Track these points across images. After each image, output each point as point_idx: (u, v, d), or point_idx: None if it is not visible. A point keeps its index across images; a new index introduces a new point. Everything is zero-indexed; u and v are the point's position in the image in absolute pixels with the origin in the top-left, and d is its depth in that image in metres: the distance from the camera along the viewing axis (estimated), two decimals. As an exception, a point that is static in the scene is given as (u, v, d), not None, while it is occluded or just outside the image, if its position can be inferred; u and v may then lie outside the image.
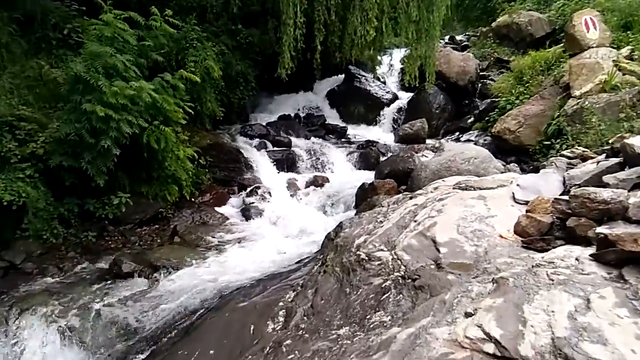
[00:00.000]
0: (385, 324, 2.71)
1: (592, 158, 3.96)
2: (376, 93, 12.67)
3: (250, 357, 2.93)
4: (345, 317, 3.00)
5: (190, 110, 7.05)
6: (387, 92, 12.79)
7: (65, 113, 6.03)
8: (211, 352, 3.31)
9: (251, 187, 8.29)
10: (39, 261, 5.72)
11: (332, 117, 12.30)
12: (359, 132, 11.58)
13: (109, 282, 5.30)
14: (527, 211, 3.33)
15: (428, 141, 10.22)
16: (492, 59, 13.35)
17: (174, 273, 5.45)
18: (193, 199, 7.61)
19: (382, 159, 9.21)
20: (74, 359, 4.37)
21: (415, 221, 3.86)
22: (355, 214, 6.71)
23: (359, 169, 9.36)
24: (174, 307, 4.70)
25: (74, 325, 4.59)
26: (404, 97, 12.62)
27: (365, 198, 7.19)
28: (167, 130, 6.42)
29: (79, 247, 6.12)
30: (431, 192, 4.58)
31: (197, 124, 8.49)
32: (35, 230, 5.77)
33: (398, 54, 13.69)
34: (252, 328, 3.40)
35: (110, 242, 6.38)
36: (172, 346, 3.85)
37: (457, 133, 11.01)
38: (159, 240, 6.56)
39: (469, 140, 9.97)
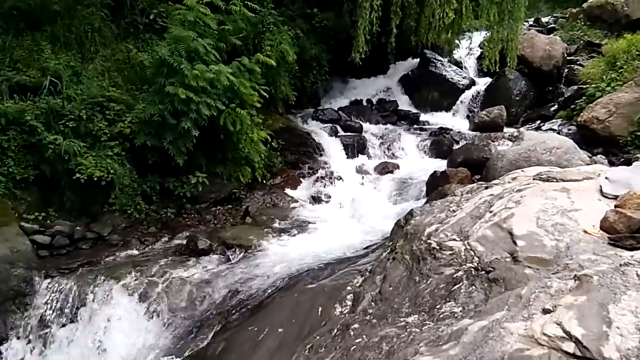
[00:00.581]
0: (456, 315, 2.65)
1: (695, 151, 3.60)
2: (452, 78, 12.23)
3: (318, 337, 2.98)
4: (414, 305, 2.96)
5: (265, 94, 7.19)
6: (463, 78, 12.31)
7: (150, 95, 6.37)
8: (280, 330, 3.40)
9: (321, 171, 8.36)
10: (124, 234, 6.14)
11: (405, 103, 12.04)
12: (432, 119, 11.26)
13: (185, 257, 5.57)
14: (615, 206, 3.10)
15: (506, 129, 9.75)
16: (581, 42, 12.46)
17: (246, 252, 5.64)
18: (265, 181, 7.80)
19: (456, 146, 8.91)
20: (151, 327, 4.67)
21: (491, 212, 3.72)
22: (426, 202, 6.58)
23: (431, 156, 9.14)
24: (245, 285, 4.88)
25: (153, 295, 4.90)
26: (482, 82, 12.09)
27: (436, 186, 7.01)
28: (243, 113, 6.60)
29: (159, 222, 6.50)
30: (509, 182, 4.39)
31: (270, 108, 8.65)
32: (120, 205, 6.19)
33: (478, 37, 13.10)
34: (320, 310, 3.45)
35: (187, 220, 6.71)
36: (242, 322, 4.00)
37: (539, 121, 10.40)
38: (231, 220, 6.81)
39: (551, 130, 9.39)
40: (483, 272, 2.98)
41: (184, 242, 5.89)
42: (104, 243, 5.99)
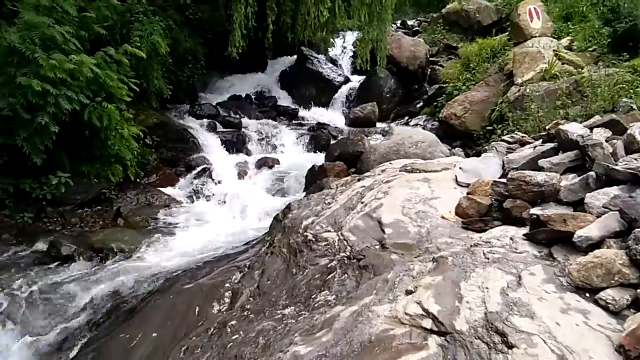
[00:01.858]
0: (329, 303, 2.75)
1: (530, 143, 4.13)
2: (328, 75, 12.68)
3: (194, 338, 2.90)
4: (291, 297, 3.02)
5: (136, 87, 6.77)
6: (339, 75, 12.82)
7: (-2, 87, 5.65)
8: (154, 334, 3.25)
9: (199, 168, 8.13)
10: (-31, 243, 5.40)
11: (284, 99, 12.22)
12: (311, 114, 11.57)
13: (46, 265, 5.07)
14: (468, 193, 3.44)
15: (378, 125, 10.37)
16: (441, 44, 13.64)
17: (117, 256, 5.30)
18: (138, 180, 7.37)
19: (333, 141, 9.25)
20: (7, 343, 4.18)
21: (362, 202, 3.92)
22: (305, 196, 6.74)
23: (310, 151, 9.39)
24: (116, 291, 4.56)
25: (10, 310, 4.38)
26: (356, 80, 12.71)
27: (314, 180, 7.22)
28: (110, 108, 6.16)
29: (14, 229, 5.79)
30: (378, 174, 4.66)
31: (143, 102, 8.19)
32: (-36, 211, 5.44)
33: (351, 36, 13.71)
34: (197, 310, 3.36)
35: (48, 224, 6.08)
36: (113, 330, 3.75)
37: (407, 117, 11.23)
38: (101, 222, 6.32)
39: (417, 125, 10.20)
40: (355, 260, 3.13)
41: (45, 248, 5.35)
42: (-57, 255, 5.22)
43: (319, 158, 8.44)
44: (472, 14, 13.37)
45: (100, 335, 3.93)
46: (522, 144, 4.24)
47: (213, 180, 7.86)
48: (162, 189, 7.50)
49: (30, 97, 5.37)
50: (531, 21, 8.74)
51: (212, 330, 2.90)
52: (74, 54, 5.76)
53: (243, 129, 9.69)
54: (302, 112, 11.55)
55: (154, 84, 8.16)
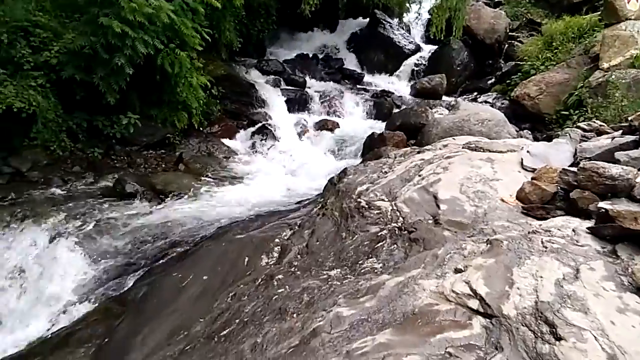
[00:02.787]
0: (376, 271, 2.76)
1: (607, 133, 3.88)
2: (399, 42, 12.29)
3: (242, 286, 3.02)
4: (337, 260, 3.06)
5: (208, 37, 6.89)
6: (410, 42, 12.40)
7: (82, 24, 5.91)
8: (204, 277, 3.40)
9: (261, 123, 8.26)
10: (45, 171, 5.79)
11: (351, 62, 12.01)
12: (376, 81, 11.33)
13: (111, 199, 5.38)
14: (532, 178, 3.30)
15: (445, 98, 10.03)
16: (524, 19, 12.84)
17: (175, 199, 5.54)
18: (201, 129, 7.59)
19: (395, 110, 9.07)
20: (71, 268, 4.50)
21: (420, 176, 3.85)
22: (361, 162, 6.71)
23: (371, 118, 9.25)
24: (172, 232, 4.80)
25: (75, 235, 4.70)
26: (427, 49, 12.26)
27: (372, 147, 7.15)
28: (183, 55, 6.31)
29: (85, 162, 6.18)
30: (440, 149, 4.54)
31: (212, 53, 8.32)
32: (43, 140, 5.81)
33: (428, 3, 13.14)
34: (246, 260, 3.47)
35: (115, 161, 6.43)
36: (167, 268, 3.96)
37: (476, 93, 10.78)
38: (163, 166, 6.61)
39: (486, 102, 9.77)
40: (406, 231, 3.11)
41: (111, 184, 5.68)
42: (22, 179, 5.63)
43: (380, 126, 8.34)
44: (562, -11, 12.44)
45: (154, 272, 4.16)
46: (599, 133, 3.98)
47: (273, 136, 7.96)
48: (223, 140, 7.70)
49: (109, 37, 5.58)
50: (628, 2, 8.01)
51: (259, 281, 3.00)
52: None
53: (306, 89, 9.68)
54: (367, 78, 11.33)
55: (225, 36, 8.24)
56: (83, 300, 4.00)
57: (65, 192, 5.52)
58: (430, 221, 3.17)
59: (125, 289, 4.11)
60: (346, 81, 10.96)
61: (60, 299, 4.08)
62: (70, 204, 5.08)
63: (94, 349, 3.18)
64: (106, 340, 3.19)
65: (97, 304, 3.95)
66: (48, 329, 3.78)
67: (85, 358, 3.10)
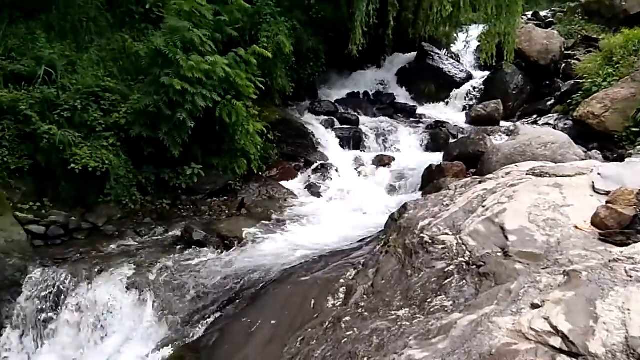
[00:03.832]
0: (446, 309, 2.67)
1: (687, 148, 3.62)
2: (449, 71, 12.23)
3: (310, 330, 3.00)
4: (405, 299, 2.99)
5: (261, 86, 7.17)
6: (460, 71, 12.31)
7: (146, 85, 6.35)
8: (273, 322, 3.43)
9: (317, 164, 8.37)
10: (119, 224, 6.15)
11: (402, 96, 12.02)
12: (429, 112, 11.25)
13: (180, 248, 5.59)
14: (607, 202, 3.12)
15: (502, 123, 9.77)
16: (579, 37, 12.45)
17: (240, 244, 5.65)
18: (260, 173, 7.80)
19: (452, 140, 8.93)
20: (146, 317, 4.68)
21: (484, 206, 3.74)
22: (422, 196, 6.61)
23: (427, 149, 9.14)
24: (239, 276, 4.89)
25: (148, 285, 4.90)
26: (479, 76, 12.11)
27: (432, 180, 7.05)
28: (239, 105, 6.59)
29: (155, 213, 6.50)
30: (502, 177, 4.40)
31: (267, 100, 8.61)
32: (116, 196, 6.19)
33: (475, 30, 13.05)
34: (312, 302, 3.48)
35: (182, 211, 6.71)
36: (236, 313, 4.03)
37: (535, 116, 10.42)
38: (227, 212, 6.82)
39: (547, 124, 9.41)
40: (474, 266, 3.01)
41: (179, 233, 5.91)
42: (99, 233, 6.00)
43: (437, 157, 8.21)
44: (618, 2, 12.01)
45: (223, 317, 4.25)
46: (678, 149, 3.73)
47: (330, 176, 8.03)
48: (282, 183, 7.86)
49: (171, 95, 5.96)
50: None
51: (327, 324, 2.98)
52: (209, 55, 6.27)
53: (360, 126, 9.75)
54: (420, 110, 11.29)
55: (277, 82, 8.54)
56: (159, 348, 4.13)
57: (137, 243, 5.81)
58: (499, 254, 3.05)
59: (198, 336, 4.21)
60: (399, 115, 10.96)
61: (137, 350, 4.22)
62: (143, 255, 5.32)
63: (172, 398, 3.24)
64: (181, 389, 3.25)
65: (172, 352, 4.06)
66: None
67: (163, 408, 3.16)
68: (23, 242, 5.36)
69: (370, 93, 11.94)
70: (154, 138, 6.22)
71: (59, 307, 4.78)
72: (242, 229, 6.01)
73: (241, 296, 4.50)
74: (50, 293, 4.86)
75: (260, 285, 4.60)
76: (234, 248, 5.59)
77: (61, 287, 4.89)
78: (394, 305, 2.96)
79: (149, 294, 4.81)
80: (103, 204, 6.21)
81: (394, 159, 8.56)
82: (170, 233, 6.07)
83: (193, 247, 5.57)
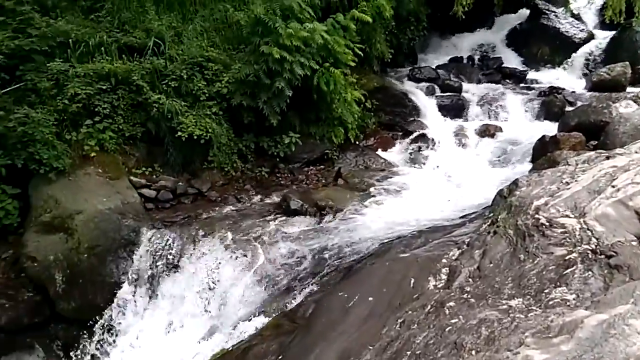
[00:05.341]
0: (568, 303, 2.38)
1: None
2: (567, 31, 11.04)
3: (410, 312, 2.85)
4: (517, 287, 2.72)
5: (360, 52, 6.97)
6: (580, 31, 11.05)
7: (246, 55, 6.43)
8: (370, 298, 3.31)
9: (416, 133, 8.06)
10: (221, 190, 6.39)
11: (511, 60, 11.14)
12: (542, 77, 10.30)
13: (278, 216, 5.65)
14: None
15: (630, 89, 8.64)
16: None
17: (337, 214, 5.60)
18: (357, 142, 7.67)
19: (569, 108, 8.09)
20: (246, 281, 4.82)
21: (614, 186, 3.28)
22: (531, 170, 6.08)
23: (538, 119, 8.42)
24: (336, 248, 4.85)
25: (249, 250, 5.04)
26: (602, 36, 10.80)
27: (544, 152, 6.43)
28: (337, 73, 6.45)
29: (254, 180, 6.67)
30: (636, 152, 3.85)
31: (365, 66, 8.38)
32: (218, 163, 6.42)
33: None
34: (412, 281, 3.30)
35: (280, 179, 6.81)
36: (332, 286, 3.98)
37: (671, 80, 9.10)
38: (323, 181, 6.80)
39: (686, 90, 8.18)
40: (602, 256, 2.64)
41: (277, 201, 5.99)
42: (203, 198, 6.27)
43: (550, 127, 7.51)
44: None
45: (320, 289, 4.24)
46: None
47: (429, 146, 7.70)
48: (379, 153, 7.67)
49: (270, 64, 5.96)
50: None
51: (428, 307, 2.80)
52: (308, 22, 6.16)
53: (463, 93, 9.18)
54: (531, 75, 10.36)
55: (376, 48, 8.26)
56: (257, 314, 4.24)
57: (238, 209, 5.98)
58: (634, 243, 2.65)
59: (294, 304, 4.25)
60: (507, 81, 10.16)
61: (237, 313, 4.37)
62: (243, 222, 5.47)
63: (270, 366, 3.30)
64: (280, 357, 3.28)
65: (269, 319, 4.14)
66: (226, 341, 4.07)
67: (261, 375, 3.23)
68: (137, 205, 5.73)
69: (475, 57, 11.21)
70: (254, 107, 6.31)
71: (168, 268, 5.08)
72: (339, 199, 5.94)
73: (337, 269, 4.45)
74: (160, 254, 5.19)
75: (357, 258, 4.52)
76: (330, 219, 5.54)
77: (170, 248, 5.18)
78: (504, 294, 2.70)
79: (250, 259, 4.94)
80: (207, 170, 6.47)
81: (500, 129, 7.98)
82: (268, 200, 6.18)
83: (290, 215, 5.61)
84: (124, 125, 6.13)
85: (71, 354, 4.94)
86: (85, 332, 4.94)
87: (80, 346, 4.92)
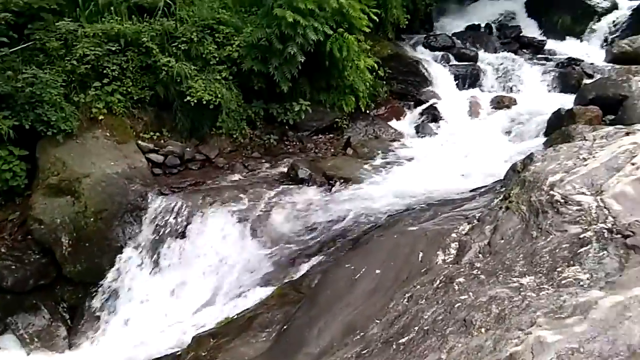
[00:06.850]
0: (581, 283, 2.32)
1: None
2: (589, 0, 10.62)
3: (418, 286, 2.81)
4: (529, 265, 2.66)
5: (375, 17, 6.74)
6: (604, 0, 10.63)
7: (258, 18, 6.25)
8: (377, 271, 3.28)
9: (428, 103, 7.87)
10: (229, 157, 6.32)
11: (530, 28, 10.80)
12: (561, 47, 9.97)
13: (286, 184, 5.61)
14: None
15: (652, 62, 8.36)
16: None
17: (345, 184, 5.55)
18: (368, 111, 7.51)
19: (587, 81, 7.85)
20: (252, 249, 4.82)
21: (633, 164, 3.17)
22: (545, 143, 5.95)
23: (555, 91, 8.20)
24: (343, 218, 4.83)
25: (255, 218, 5.02)
26: (627, 6, 10.39)
27: (559, 126, 6.28)
28: (351, 39, 6.27)
29: (262, 148, 6.59)
30: (657, 129, 3.71)
31: (379, 33, 8.14)
32: (227, 129, 6.32)
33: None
34: (420, 255, 3.26)
35: (288, 147, 6.72)
36: (339, 257, 3.97)
37: (696, 54, 8.77)
38: (332, 150, 6.71)
39: None
40: (619, 235, 2.56)
41: (285, 169, 5.93)
42: (210, 165, 6.21)
43: (566, 100, 7.31)
44: None
45: (326, 259, 4.22)
46: None
47: (441, 117, 7.54)
48: (390, 122, 7.55)
49: (283, 28, 5.79)
50: None
51: (437, 282, 2.76)
52: (323, -16, 5.93)
53: (478, 63, 8.92)
54: (549, 45, 10.02)
55: (392, 13, 8.02)
56: (262, 284, 4.25)
57: (246, 177, 5.95)
58: (653, 223, 2.56)
59: (300, 274, 4.25)
60: (524, 50, 9.85)
61: (242, 281, 4.38)
62: (251, 190, 5.42)
63: (274, 334, 3.31)
64: (285, 327, 3.29)
65: (274, 288, 4.15)
66: (231, 309, 4.08)
67: (266, 343, 3.24)
68: (144, 170, 5.69)
69: (493, 26, 10.86)
70: (264, 72, 6.18)
71: (174, 234, 5.07)
72: (348, 169, 5.88)
73: (344, 240, 4.43)
74: (167, 219, 5.17)
75: (364, 229, 4.49)
76: (338, 188, 5.49)
77: (177, 215, 5.16)
78: (515, 271, 2.64)
79: (256, 227, 4.93)
80: (215, 136, 6.39)
81: (515, 101, 7.80)
82: (276, 169, 6.12)
83: (298, 184, 5.55)
84: (133, 89, 6.02)
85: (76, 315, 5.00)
86: (90, 294, 4.97)
87: (86, 308, 4.96)
